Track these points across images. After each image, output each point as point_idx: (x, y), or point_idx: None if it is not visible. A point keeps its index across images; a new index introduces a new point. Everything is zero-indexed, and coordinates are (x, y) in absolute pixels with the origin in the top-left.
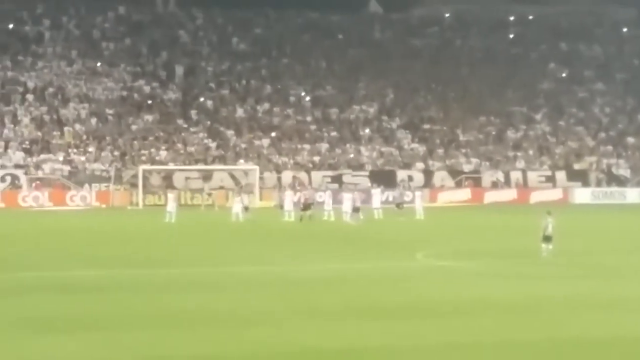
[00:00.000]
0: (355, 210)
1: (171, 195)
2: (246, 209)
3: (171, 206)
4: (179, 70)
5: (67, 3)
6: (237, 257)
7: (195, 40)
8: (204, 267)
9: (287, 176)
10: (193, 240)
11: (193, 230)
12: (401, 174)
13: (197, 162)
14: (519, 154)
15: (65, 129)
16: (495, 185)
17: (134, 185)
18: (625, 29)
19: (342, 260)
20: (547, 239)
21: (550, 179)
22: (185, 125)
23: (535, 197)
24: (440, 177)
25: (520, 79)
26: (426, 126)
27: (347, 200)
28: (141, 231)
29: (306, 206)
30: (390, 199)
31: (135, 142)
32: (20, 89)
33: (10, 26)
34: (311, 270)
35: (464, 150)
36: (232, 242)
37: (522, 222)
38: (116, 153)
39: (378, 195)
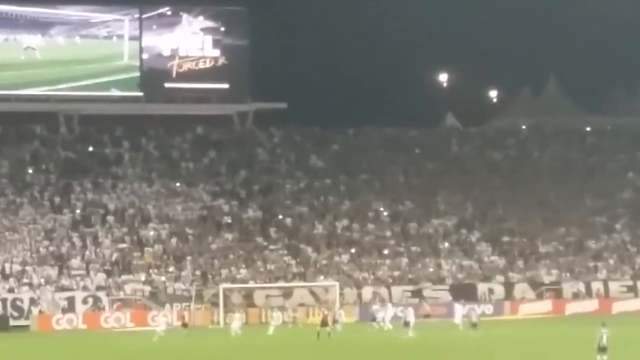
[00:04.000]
0: (406, 324)
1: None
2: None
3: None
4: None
5: (146, 125)
6: None
7: (273, 158)
8: None
9: (367, 292)
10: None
11: (275, 348)
12: (482, 287)
13: (277, 279)
14: (599, 264)
15: (146, 249)
16: (576, 296)
17: (215, 304)
18: None
19: None
20: (602, 350)
21: (632, 289)
22: (265, 243)
23: (618, 307)
24: (521, 289)
25: (598, 189)
26: (506, 238)
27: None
28: (224, 350)
29: (325, 323)
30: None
31: (216, 261)
32: (101, 211)
33: (91, 149)
34: None
35: (544, 262)
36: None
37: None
38: (197, 272)
39: (460, 310)
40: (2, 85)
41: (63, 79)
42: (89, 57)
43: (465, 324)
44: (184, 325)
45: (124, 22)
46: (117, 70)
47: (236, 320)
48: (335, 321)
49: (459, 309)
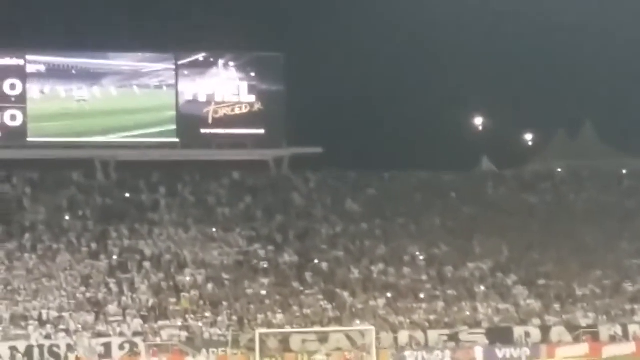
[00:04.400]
0: None
1: None
2: None
3: None
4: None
5: (182, 170)
6: None
7: (309, 202)
8: None
9: (403, 336)
10: None
11: None
12: (518, 331)
13: (313, 324)
14: (636, 306)
15: (182, 295)
16: (613, 339)
17: (251, 349)
18: None
19: None
20: None
21: None
22: (301, 288)
23: None
24: (558, 332)
25: (635, 232)
26: (542, 282)
27: None
28: None
29: None
30: (508, 356)
31: (252, 306)
32: (138, 257)
33: (127, 195)
34: None
35: (580, 305)
36: None
37: None
38: (233, 317)
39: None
40: (53, 135)
41: (113, 129)
42: (140, 107)
43: None
44: None
45: (175, 72)
46: (169, 120)
47: None
48: None
49: (479, 352)
